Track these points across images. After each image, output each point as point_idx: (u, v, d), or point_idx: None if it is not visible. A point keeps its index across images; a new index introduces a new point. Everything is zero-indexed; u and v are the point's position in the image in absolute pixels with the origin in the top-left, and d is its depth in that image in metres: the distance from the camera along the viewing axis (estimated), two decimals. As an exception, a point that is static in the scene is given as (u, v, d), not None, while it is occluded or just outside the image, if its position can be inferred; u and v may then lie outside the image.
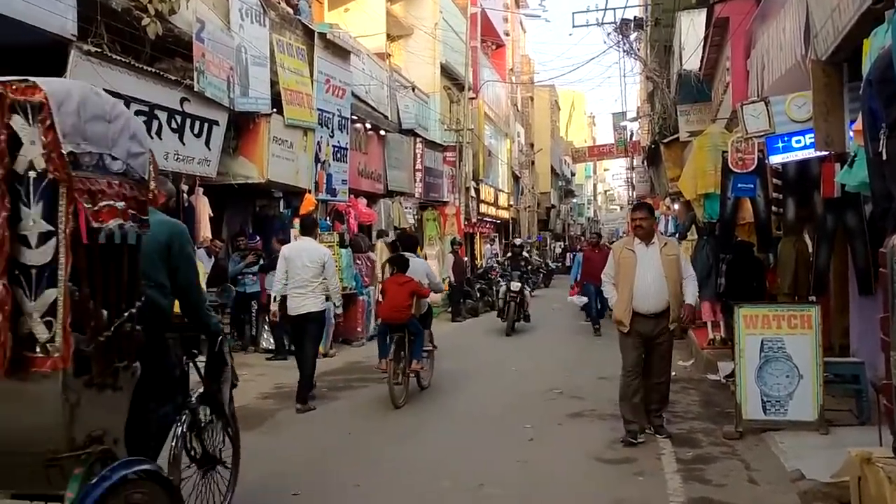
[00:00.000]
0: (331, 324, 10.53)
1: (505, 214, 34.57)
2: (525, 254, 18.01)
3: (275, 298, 8.32)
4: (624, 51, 23.43)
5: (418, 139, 20.83)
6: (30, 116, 2.73)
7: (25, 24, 7.03)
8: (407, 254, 9.08)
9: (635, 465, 5.87)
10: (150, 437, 3.75)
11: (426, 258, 14.53)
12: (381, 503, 5.18)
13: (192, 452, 4.30)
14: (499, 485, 5.46)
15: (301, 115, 13.09)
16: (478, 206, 28.25)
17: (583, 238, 50.14)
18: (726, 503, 5.02)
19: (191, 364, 4.34)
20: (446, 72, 24.90)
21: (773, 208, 9.03)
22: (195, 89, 9.96)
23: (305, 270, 7.99)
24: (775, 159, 7.94)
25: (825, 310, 7.44)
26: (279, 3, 13.12)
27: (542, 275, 29.59)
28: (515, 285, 14.82)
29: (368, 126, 17.16)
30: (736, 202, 9.55)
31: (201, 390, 4.39)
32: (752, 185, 9.02)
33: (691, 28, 16.27)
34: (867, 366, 6.80)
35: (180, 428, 4.08)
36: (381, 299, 14.82)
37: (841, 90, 6.10)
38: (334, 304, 8.41)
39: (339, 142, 14.82)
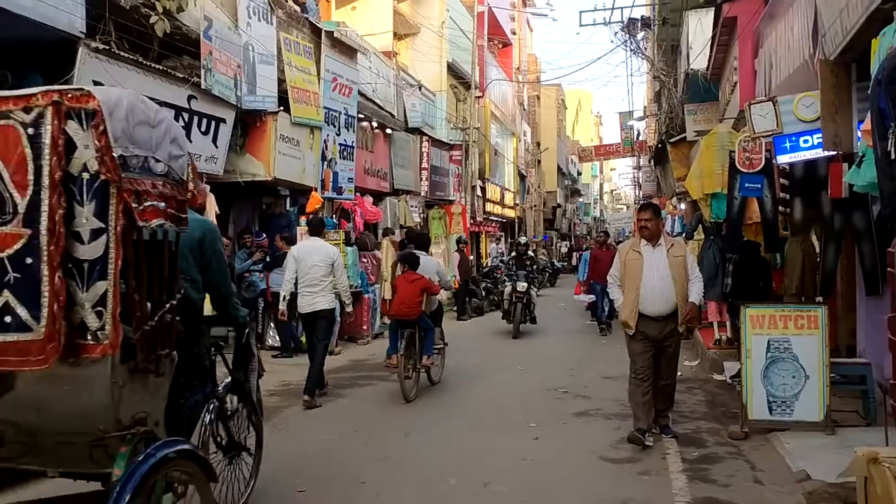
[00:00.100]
0: (337, 322, 10.55)
1: (511, 213, 34.54)
2: (531, 252, 16.96)
3: (284, 297, 8.40)
4: (631, 50, 23.45)
5: (424, 138, 20.82)
6: (84, 122, 2.93)
7: (34, 21, 7.05)
8: (418, 252, 9.29)
9: (640, 465, 5.87)
10: (182, 423, 3.93)
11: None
12: (386, 500, 5.19)
13: (219, 439, 4.53)
14: (504, 483, 5.47)
15: (308, 113, 13.11)
16: (483, 205, 28.23)
17: (589, 237, 50.24)
18: (731, 503, 5.01)
19: (218, 355, 4.55)
20: (453, 70, 24.89)
21: (781, 208, 9.01)
22: (202, 87, 9.98)
23: (315, 270, 8.15)
24: (783, 159, 7.92)
25: (832, 310, 7.43)
26: (287, 1, 13.13)
27: (547, 274, 29.57)
28: (522, 285, 14.25)
29: (375, 124, 17.17)
30: (743, 202, 9.52)
31: (228, 380, 4.63)
32: (759, 185, 8.98)
33: (699, 27, 16.27)
34: (874, 366, 6.79)
35: (209, 416, 4.33)
36: (385, 297, 15.08)
37: (849, 90, 6.09)
38: (344, 301, 8.48)
39: (345, 140, 14.84)
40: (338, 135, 14.48)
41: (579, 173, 61.76)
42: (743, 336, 6.63)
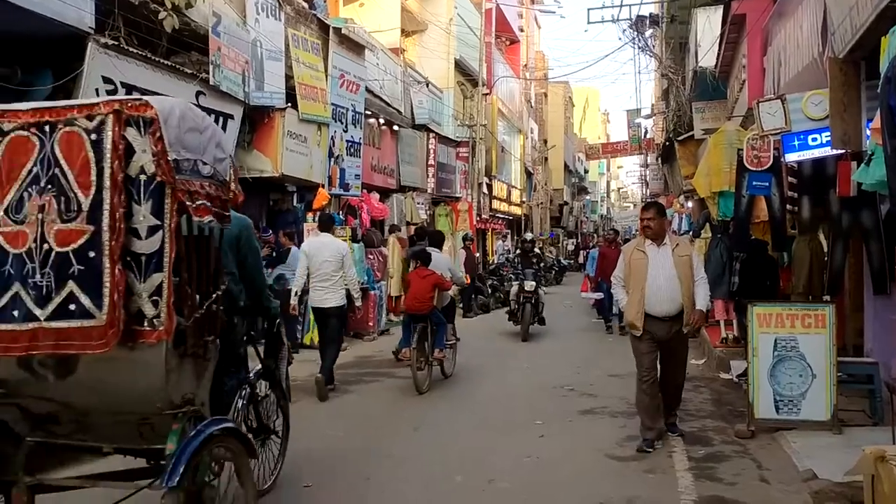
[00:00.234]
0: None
1: (517, 211, 34.52)
2: (537, 250, 16.40)
3: (295, 293, 8.56)
4: (639, 47, 23.35)
5: (431, 134, 20.82)
6: (141, 129, 3.22)
7: (44, 16, 7.07)
8: (430, 248, 9.61)
9: (646, 463, 5.87)
10: (222, 406, 4.19)
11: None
12: (392, 496, 5.20)
13: (250, 423, 4.81)
14: (509, 480, 5.48)
15: (315, 109, 13.12)
16: (490, 202, 28.23)
17: (595, 235, 50.13)
18: (737, 502, 5.01)
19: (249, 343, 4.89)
20: (460, 67, 24.88)
21: (789, 207, 8.98)
22: (211, 83, 9.99)
23: (326, 265, 8.37)
24: (791, 157, 7.89)
25: (839, 309, 7.41)
26: (294, -3, 13.14)
27: (554, 272, 29.54)
28: (530, 285, 13.47)
29: (382, 121, 17.17)
30: (751, 200, 9.50)
31: (259, 367, 5.00)
32: (767, 184, 8.95)
33: (707, 25, 16.21)
34: (881, 366, 6.78)
35: (241, 401, 4.62)
36: (392, 293, 15.10)
37: (858, 88, 6.06)
38: (353, 296, 8.61)
39: (352, 136, 14.84)
40: (345, 131, 14.50)
41: (586, 171, 61.67)
42: (750, 334, 6.62)
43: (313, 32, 13.44)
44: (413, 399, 8.26)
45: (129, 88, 8.48)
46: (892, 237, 7.06)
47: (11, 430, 3.54)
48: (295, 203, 13.60)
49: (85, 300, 3.18)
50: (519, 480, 5.48)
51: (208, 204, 3.52)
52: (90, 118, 3.22)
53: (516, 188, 34.29)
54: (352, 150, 14.84)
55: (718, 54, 14.50)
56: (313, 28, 13.50)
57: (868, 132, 5.56)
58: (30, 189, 3.25)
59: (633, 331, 6.36)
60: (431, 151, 20.83)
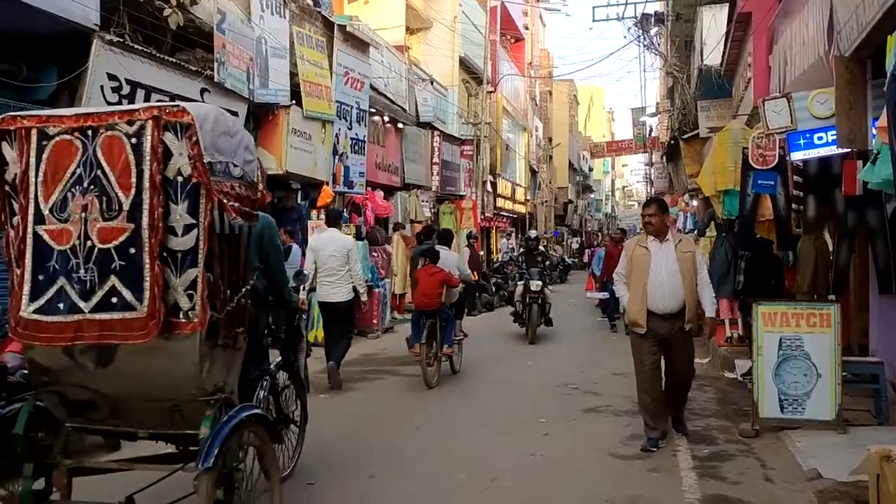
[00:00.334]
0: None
1: (522, 209, 34.52)
2: (542, 248, 15.84)
3: (303, 288, 8.56)
4: (644, 46, 23.31)
5: (436, 132, 20.82)
6: (178, 133, 3.41)
7: (49, 13, 7.08)
8: (438, 246, 9.82)
9: (650, 462, 5.86)
10: (247, 395, 4.40)
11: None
12: (395, 493, 5.20)
13: (270, 412, 4.94)
14: (512, 479, 5.47)
15: (320, 107, 13.12)
16: (494, 201, 28.22)
17: (600, 234, 50.09)
18: (741, 501, 4.99)
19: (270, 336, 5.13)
20: (465, 65, 24.87)
21: (794, 206, 8.95)
22: (215, 80, 10.01)
23: (332, 260, 8.47)
24: (796, 156, 7.86)
25: (844, 308, 7.38)
26: (299, -6, 13.14)
27: (559, 270, 29.51)
28: (536, 284, 12.76)
29: (386, 119, 17.18)
30: (756, 199, 9.47)
31: (279, 359, 5.25)
32: (772, 182, 8.93)
33: (713, 23, 16.18)
34: (886, 365, 6.75)
35: (262, 392, 4.80)
36: (396, 291, 15.11)
37: (864, 86, 6.03)
38: (359, 290, 8.65)
39: (356, 134, 14.85)
40: (349, 129, 14.50)
41: (591, 169, 61.59)
42: (755, 333, 6.59)
43: (318, 30, 13.45)
44: (417, 397, 8.27)
45: (134, 85, 8.50)
46: (897, 236, 7.04)
47: (52, 415, 3.73)
48: (299, 200, 13.60)
49: (126, 293, 3.40)
50: (522, 479, 5.47)
51: (238, 204, 3.70)
52: (130, 123, 3.43)
53: (521, 186, 34.28)
54: (356, 147, 14.85)
55: (724, 52, 14.47)
56: (318, 25, 13.51)
57: (874, 131, 5.52)
58: (73, 189, 3.45)
59: (636, 329, 6.25)
60: (436, 149, 20.83)
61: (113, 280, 3.42)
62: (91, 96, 7.87)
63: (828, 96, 6.77)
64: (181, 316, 3.44)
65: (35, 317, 3.46)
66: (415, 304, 9.36)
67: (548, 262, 15.82)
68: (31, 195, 3.49)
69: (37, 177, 3.49)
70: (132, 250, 3.40)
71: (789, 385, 6.40)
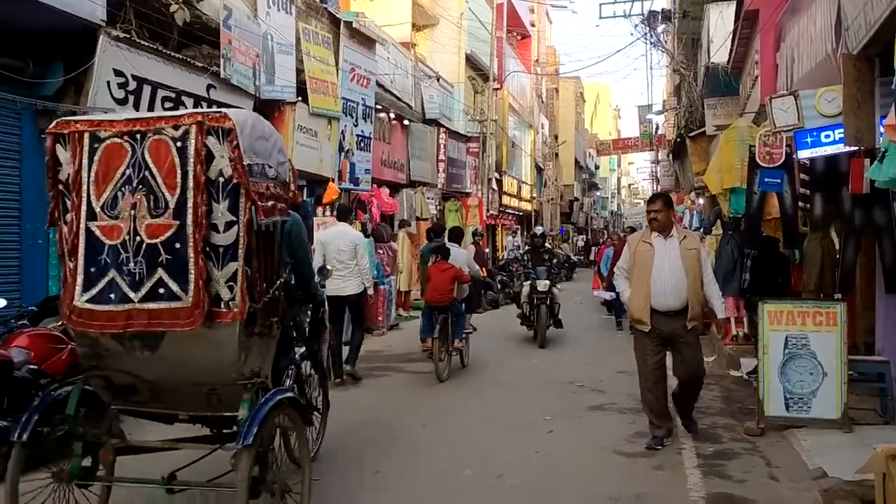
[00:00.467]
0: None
1: (527, 206, 34.48)
2: (548, 245, 15.24)
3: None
4: (651, 43, 23.23)
5: (442, 129, 20.81)
6: (220, 137, 3.70)
7: (55, 8, 7.09)
8: (449, 244, 10.07)
9: (655, 460, 5.86)
10: (278, 381, 4.62)
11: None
12: (401, 490, 5.21)
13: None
14: (517, 476, 5.47)
15: (326, 103, 13.13)
16: (500, 198, 28.19)
17: (605, 232, 49.98)
18: (746, 499, 4.99)
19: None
20: (471, 62, 24.84)
21: (800, 204, 8.92)
22: (221, 76, 10.01)
23: (341, 254, 8.67)
24: (803, 154, 7.84)
25: (851, 307, 7.36)
26: (306, -9, 13.13)
27: (565, 268, 29.44)
28: (543, 284, 12.08)
29: (392, 115, 17.17)
30: (762, 197, 9.44)
31: (303, 349, 5.51)
32: (779, 180, 8.90)
33: (720, 21, 16.11)
34: (892, 364, 6.73)
35: (288, 380, 4.97)
36: (401, 288, 15.11)
37: (872, 84, 6.01)
38: (365, 284, 8.80)
39: (362, 131, 14.85)
40: (355, 125, 14.50)
41: (597, 167, 61.52)
42: (760, 332, 6.58)
43: (324, 26, 13.45)
44: (422, 393, 8.28)
45: (140, 81, 8.51)
46: (905, 235, 7.01)
47: (99, 398, 4.03)
48: (305, 197, 13.60)
49: (173, 285, 3.68)
50: (527, 476, 5.48)
51: (274, 202, 4.01)
52: (176, 128, 3.71)
53: (526, 184, 34.24)
54: (362, 144, 14.85)
55: (731, 50, 14.40)
56: (324, 22, 13.50)
57: (881, 129, 5.51)
58: (123, 189, 3.74)
59: (640, 326, 6.16)
60: (442, 146, 20.82)
61: (160, 272, 3.68)
62: (97, 92, 7.87)
63: (835, 94, 6.74)
64: (222, 306, 3.72)
65: (88, 306, 3.72)
66: (427, 299, 9.57)
67: (555, 261, 15.32)
68: (84, 194, 3.75)
69: (89, 177, 3.75)
70: (178, 245, 3.67)
71: (795, 384, 6.39)
